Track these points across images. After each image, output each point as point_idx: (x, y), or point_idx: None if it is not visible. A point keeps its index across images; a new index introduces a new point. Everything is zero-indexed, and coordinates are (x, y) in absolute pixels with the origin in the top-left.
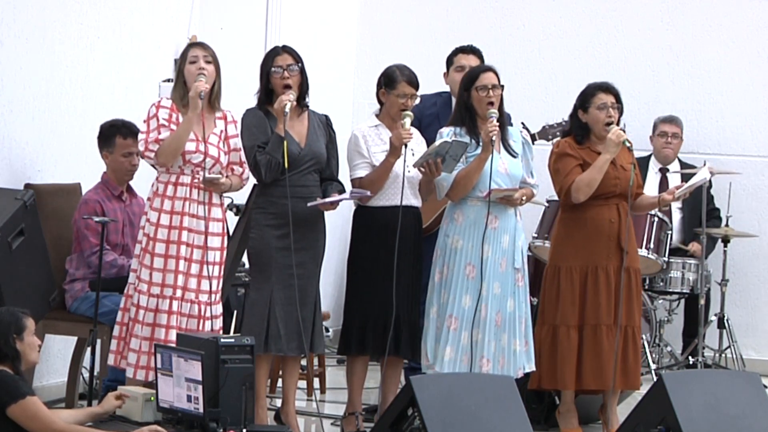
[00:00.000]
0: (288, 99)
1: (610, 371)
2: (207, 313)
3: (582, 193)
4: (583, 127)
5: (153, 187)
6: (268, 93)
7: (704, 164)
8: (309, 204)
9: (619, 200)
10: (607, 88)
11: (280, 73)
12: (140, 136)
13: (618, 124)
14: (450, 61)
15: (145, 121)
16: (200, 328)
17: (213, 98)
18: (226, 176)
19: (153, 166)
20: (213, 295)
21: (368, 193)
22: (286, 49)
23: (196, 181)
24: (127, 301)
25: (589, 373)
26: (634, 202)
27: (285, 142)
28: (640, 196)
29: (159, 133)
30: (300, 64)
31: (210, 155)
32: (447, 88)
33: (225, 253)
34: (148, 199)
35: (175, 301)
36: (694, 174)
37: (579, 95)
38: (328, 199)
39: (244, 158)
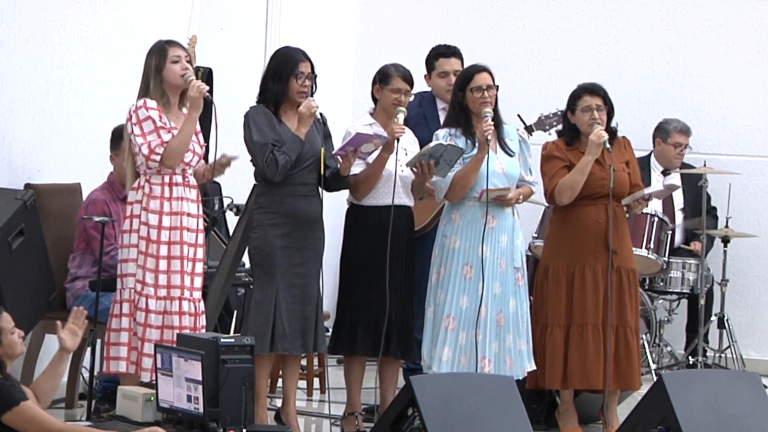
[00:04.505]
0: (316, 105)
1: (597, 371)
2: (199, 310)
3: (565, 196)
4: (572, 128)
5: (143, 189)
6: (284, 94)
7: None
8: (333, 153)
9: (608, 200)
10: (593, 90)
11: (302, 80)
12: (139, 140)
13: (610, 125)
14: (431, 65)
15: (136, 124)
16: (195, 325)
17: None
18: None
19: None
20: (200, 291)
21: (386, 134)
22: (307, 57)
23: (186, 179)
24: (130, 306)
25: (575, 373)
26: (629, 196)
27: (323, 150)
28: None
29: (159, 136)
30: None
31: (196, 153)
32: (428, 88)
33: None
34: (136, 201)
35: (184, 302)
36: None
37: (569, 96)
38: (345, 143)
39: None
